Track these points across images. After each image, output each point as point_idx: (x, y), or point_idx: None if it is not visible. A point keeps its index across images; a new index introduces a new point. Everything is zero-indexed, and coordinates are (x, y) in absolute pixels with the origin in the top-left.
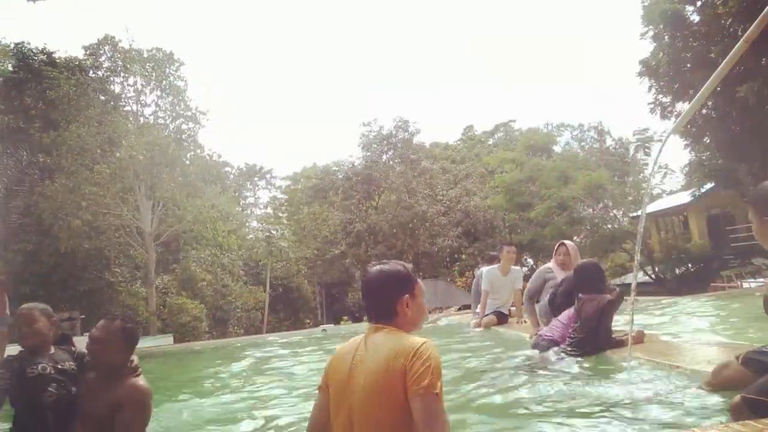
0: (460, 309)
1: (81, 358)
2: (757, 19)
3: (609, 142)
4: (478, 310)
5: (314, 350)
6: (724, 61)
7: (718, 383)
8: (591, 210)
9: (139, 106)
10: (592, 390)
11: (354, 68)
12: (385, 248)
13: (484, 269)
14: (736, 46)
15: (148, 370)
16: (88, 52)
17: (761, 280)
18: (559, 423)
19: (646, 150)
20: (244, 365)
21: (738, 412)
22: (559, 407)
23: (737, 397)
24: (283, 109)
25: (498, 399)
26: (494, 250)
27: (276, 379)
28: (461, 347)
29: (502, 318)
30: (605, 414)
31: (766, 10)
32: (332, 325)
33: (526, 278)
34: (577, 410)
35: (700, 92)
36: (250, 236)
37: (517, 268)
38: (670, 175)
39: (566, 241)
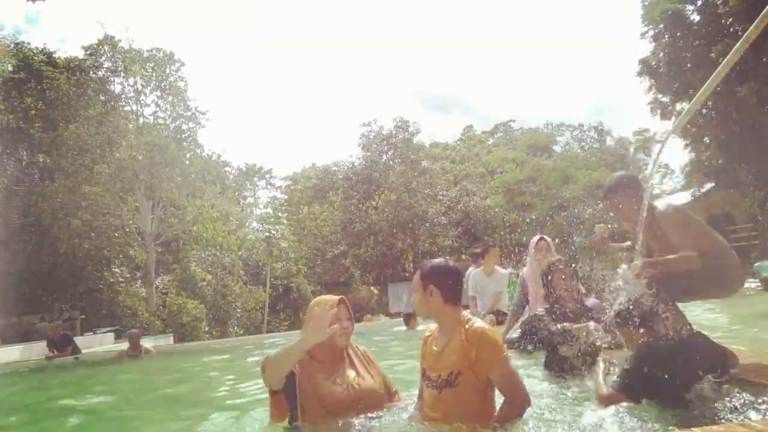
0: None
1: None
2: (757, 19)
3: (609, 142)
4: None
5: None
6: (724, 61)
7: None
8: (591, 210)
9: (139, 106)
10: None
11: (354, 68)
12: (385, 248)
13: (471, 271)
14: (736, 46)
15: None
16: (87, 53)
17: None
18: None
19: (646, 150)
20: None
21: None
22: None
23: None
24: (283, 109)
25: None
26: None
27: None
28: None
29: (501, 317)
30: (600, 411)
31: (766, 10)
32: None
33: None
34: (565, 407)
35: (700, 92)
36: (250, 236)
37: (503, 270)
38: (670, 175)
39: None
